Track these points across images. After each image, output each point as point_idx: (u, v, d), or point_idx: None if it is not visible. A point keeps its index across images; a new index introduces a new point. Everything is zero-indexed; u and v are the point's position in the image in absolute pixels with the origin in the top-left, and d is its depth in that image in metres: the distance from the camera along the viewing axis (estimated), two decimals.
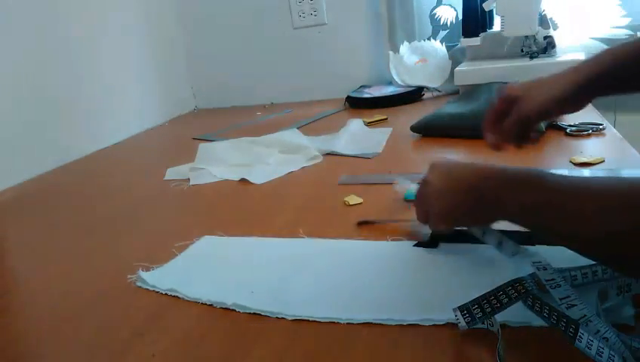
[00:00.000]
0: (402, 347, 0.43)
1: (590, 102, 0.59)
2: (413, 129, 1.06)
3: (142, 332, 0.50)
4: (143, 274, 0.59)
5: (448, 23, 1.55)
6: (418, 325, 0.45)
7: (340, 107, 1.48)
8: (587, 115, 0.98)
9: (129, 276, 0.60)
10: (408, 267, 0.55)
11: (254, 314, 0.50)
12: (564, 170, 0.75)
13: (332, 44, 1.61)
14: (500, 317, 0.42)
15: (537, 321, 0.41)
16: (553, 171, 0.74)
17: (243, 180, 0.92)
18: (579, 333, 0.37)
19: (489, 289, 0.43)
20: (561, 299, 0.41)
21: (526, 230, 0.46)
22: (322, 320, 0.48)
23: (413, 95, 1.42)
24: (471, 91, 1.19)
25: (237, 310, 0.51)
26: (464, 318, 0.42)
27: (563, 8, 1.30)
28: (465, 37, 1.35)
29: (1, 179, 1.07)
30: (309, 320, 0.48)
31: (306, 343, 0.45)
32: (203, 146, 1.06)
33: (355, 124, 1.17)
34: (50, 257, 0.72)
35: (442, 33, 1.56)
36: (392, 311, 0.47)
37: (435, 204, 0.52)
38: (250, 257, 0.63)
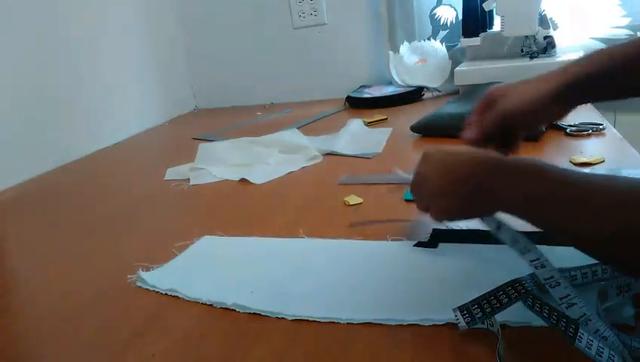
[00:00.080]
0: (402, 347, 0.43)
1: (577, 105, 0.57)
2: (413, 129, 1.06)
3: (142, 332, 0.50)
4: (143, 274, 0.59)
5: (448, 23, 1.55)
6: (418, 325, 0.45)
7: (340, 107, 1.48)
8: (587, 114, 0.98)
9: (129, 276, 0.61)
10: (408, 267, 0.55)
11: (254, 314, 0.50)
12: None
13: (332, 44, 1.61)
14: (499, 317, 0.42)
15: (537, 321, 0.41)
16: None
17: (243, 180, 0.92)
18: (579, 333, 0.37)
19: (489, 289, 0.43)
20: (560, 299, 0.41)
21: (538, 230, 0.44)
22: (322, 320, 0.48)
23: (413, 95, 1.42)
24: (471, 91, 1.19)
25: (237, 310, 0.51)
26: (464, 318, 0.42)
27: (563, 8, 1.30)
28: (465, 37, 1.35)
29: (1, 179, 1.07)
30: (309, 320, 0.48)
31: (306, 343, 0.45)
32: (203, 146, 1.06)
33: (355, 124, 1.17)
34: (50, 257, 0.72)
35: (442, 33, 1.56)
36: (392, 311, 0.47)
37: (431, 197, 0.50)
38: (250, 257, 0.63)
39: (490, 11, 1.34)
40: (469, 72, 1.27)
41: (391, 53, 1.50)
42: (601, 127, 0.91)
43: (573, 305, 0.40)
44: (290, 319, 0.48)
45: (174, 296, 0.55)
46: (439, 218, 0.52)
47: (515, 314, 0.43)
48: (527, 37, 1.25)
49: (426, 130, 1.04)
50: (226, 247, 0.67)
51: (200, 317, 0.51)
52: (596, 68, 0.54)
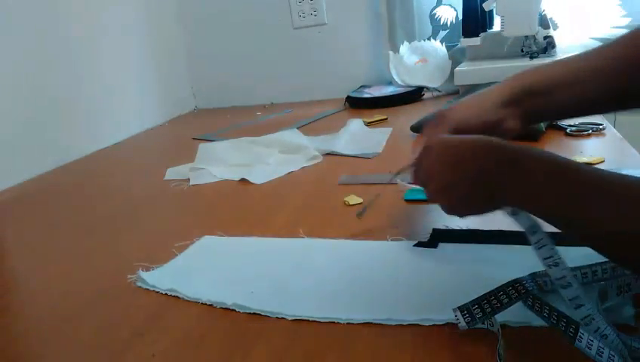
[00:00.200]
0: (402, 347, 0.43)
1: (539, 117, 0.57)
2: (413, 129, 1.06)
3: (142, 332, 0.50)
4: (143, 274, 0.59)
5: (448, 23, 1.55)
6: (418, 325, 0.45)
7: (340, 107, 1.48)
8: None
9: (129, 276, 0.60)
10: (408, 267, 0.55)
11: (254, 314, 0.50)
12: None
13: (332, 44, 1.61)
14: (500, 317, 0.42)
15: (537, 321, 0.41)
16: None
17: (243, 180, 0.92)
18: (579, 333, 0.37)
19: (489, 290, 0.43)
20: (570, 300, 0.41)
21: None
22: (322, 320, 0.48)
23: (413, 95, 1.42)
24: (471, 91, 1.19)
25: (237, 310, 0.51)
26: (464, 318, 0.42)
27: (563, 8, 1.30)
28: (465, 37, 1.35)
29: (1, 179, 1.07)
30: (309, 320, 0.48)
31: (306, 343, 0.45)
32: (203, 146, 1.06)
33: (355, 124, 1.17)
34: (50, 257, 0.72)
35: (442, 33, 1.56)
36: (392, 311, 0.47)
37: (441, 200, 0.49)
38: (250, 257, 0.63)
39: (490, 11, 1.34)
40: (469, 72, 1.27)
41: (391, 53, 1.50)
42: (601, 127, 0.91)
43: (581, 306, 0.40)
44: (290, 319, 0.48)
45: (174, 296, 0.55)
46: (450, 212, 0.50)
47: (515, 314, 0.43)
48: (527, 37, 1.25)
49: None
50: (226, 247, 0.67)
51: (200, 317, 0.51)
52: (545, 77, 0.54)
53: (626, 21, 1.26)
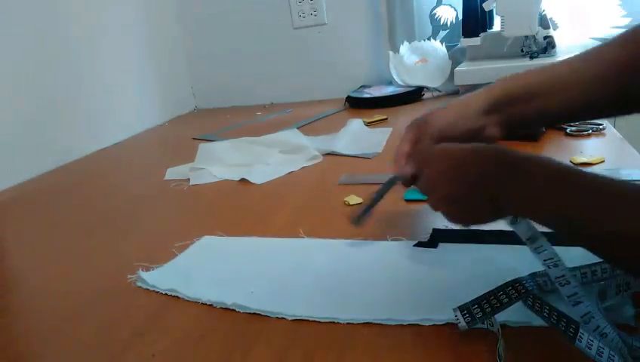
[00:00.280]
0: (402, 347, 0.43)
1: (524, 126, 0.56)
2: None
3: (142, 332, 0.50)
4: (143, 274, 0.59)
5: (448, 23, 1.55)
6: (418, 325, 0.45)
7: (340, 107, 1.48)
8: None
9: (129, 276, 0.60)
10: (408, 267, 0.55)
11: (254, 314, 0.50)
12: None
13: (332, 44, 1.61)
14: (499, 317, 0.42)
15: (537, 321, 0.41)
16: None
17: (243, 180, 0.92)
18: (579, 333, 0.37)
19: (489, 289, 0.43)
20: (568, 297, 0.41)
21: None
22: (322, 320, 0.48)
23: (413, 95, 1.42)
24: (471, 91, 1.19)
25: (237, 310, 0.51)
26: (464, 318, 0.42)
27: (563, 8, 1.30)
28: (465, 37, 1.36)
29: (1, 179, 1.07)
30: (309, 320, 0.48)
31: (306, 343, 0.45)
32: (203, 146, 1.06)
33: (355, 124, 1.17)
34: (50, 257, 0.72)
35: (442, 33, 1.56)
36: (392, 311, 0.47)
37: (444, 212, 0.49)
38: (250, 257, 0.63)
39: (490, 11, 1.34)
40: (469, 72, 1.27)
41: (391, 53, 1.50)
42: (601, 127, 0.91)
43: (580, 303, 0.40)
44: (290, 319, 0.48)
45: (174, 296, 0.55)
46: (454, 221, 0.49)
47: (515, 314, 0.43)
48: (527, 37, 1.25)
49: None
50: (226, 247, 0.67)
51: (200, 317, 0.51)
52: (525, 83, 0.54)
53: (626, 21, 1.27)
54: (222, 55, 1.73)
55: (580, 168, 0.40)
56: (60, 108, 1.24)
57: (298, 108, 1.58)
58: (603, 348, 0.36)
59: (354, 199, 0.75)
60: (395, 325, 0.45)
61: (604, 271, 0.45)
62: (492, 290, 0.43)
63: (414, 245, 0.59)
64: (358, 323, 0.46)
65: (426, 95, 1.44)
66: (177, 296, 0.55)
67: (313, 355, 0.43)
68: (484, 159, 0.45)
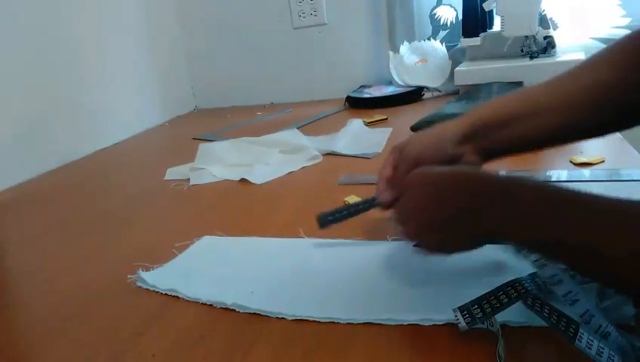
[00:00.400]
0: (402, 347, 0.43)
1: (505, 151, 0.55)
2: (413, 129, 1.05)
3: (142, 332, 0.50)
4: (143, 274, 0.59)
5: (448, 23, 1.55)
6: (418, 325, 0.45)
7: (340, 107, 1.48)
8: None
9: (129, 276, 0.60)
10: (408, 267, 0.55)
11: (254, 314, 0.50)
12: (564, 171, 0.75)
13: (332, 44, 1.61)
14: (500, 317, 0.42)
15: (537, 321, 0.41)
16: (550, 173, 0.75)
17: (243, 180, 0.92)
18: (579, 333, 0.37)
19: (489, 290, 0.43)
20: (564, 296, 0.41)
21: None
22: (322, 320, 0.48)
23: (413, 95, 1.42)
24: (471, 91, 1.20)
25: (237, 310, 0.51)
26: (464, 318, 0.42)
27: (563, 8, 1.30)
28: (465, 37, 1.36)
29: (1, 179, 1.07)
30: (309, 320, 0.48)
31: (306, 343, 0.45)
32: (203, 146, 1.06)
33: (355, 124, 1.17)
34: (49, 257, 0.72)
35: (442, 33, 1.56)
36: (392, 311, 0.47)
37: (426, 238, 0.47)
38: (250, 257, 0.63)
39: (490, 11, 1.34)
40: (469, 72, 1.27)
41: (391, 53, 1.50)
42: None
43: (577, 301, 0.40)
44: (290, 319, 0.48)
45: (174, 296, 0.55)
46: (436, 250, 0.48)
47: (515, 314, 0.43)
48: (527, 37, 1.25)
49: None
50: (226, 247, 0.67)
51: (200, 317, 0.51)
52: (501, 109, 0.53)
53: (626, 21, 1.26)
54: (222, 55, 1.73)
55: (575, 189, 0.39)
56: (59, 109, 1.24)
57: (298, 108, 1.58)
58: (603, 348, 0.36)
59: (354, 199, 0.75)
60: (395, 325, 0.45)
61: None
62: (492, 290, 0.43)
63: (414, 245, 0.59)
64: (358, 323, 0.46)
65: (426, 95, 1.44)
66: (177, 296, 0.55)
67: (313, 355, 0.43)
68: (468, 187, 0.44)
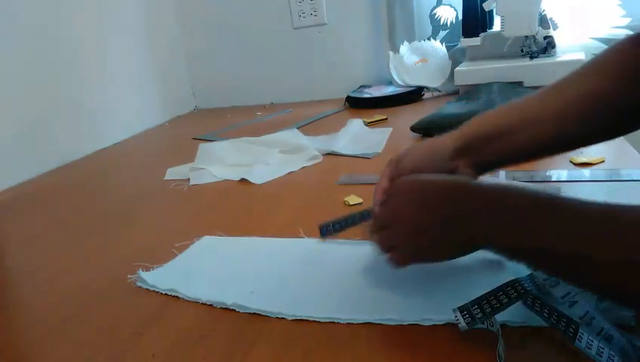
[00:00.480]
0: (402, 347, 0.43)
1: (500, 162, 0.55)
2: (414, 129, 1.06)
3: (142, 332, 0.50)
4: (143, 274, 0.59)
5: (448, 23, 1.55)
6: (418, 325, 0.45)
7: (340, 107, 1.48)
8: None
9: (129, 276, 0.61)
10: (408, 267, 0.55)
11: (254, 314, 0.50)
12: (564, 171, 0.75)
13: (332, 44, 1.61)
14: (500, 317, 0.42)
15: (537, 321, 0.41)
16: (550, 173, 0.75)
17: (243, 180, 0.92)
18: (579, 333, 0.37)
19: (489, 290, 0.43)
20: (562, 297, 0.41)
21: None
22: (322, 320, 0.48)
23: (413, 95, 1.42)
24: (471, 91, 1.19)
25: (237, 310, 0.51)
26: (464, 319, 0.42)
27: (563, 8, 1.30)
28: (465, 37, 1.35)
29: (1, 179, 1.07)
30: (309, 320, 0.48)
31: (306, 343, 0.45)
32: (203, 146, 1.06)
33: (355, 124, 1.17)
34: (50, 257, 0.72)
35: (442, 33, 1.56)
36: (392, 311, 0.47)
37: (407, 243, 0.46)
38: (250, 257, 0.63)
39: (490, 11, 1.34)
40: (469, 72, 1.27)
41: (391, 53, 1.50)
42: None
43: (576, 303, 0.40)
44: (290, 319, 0.48)
45: (174, 296, 0.55)
46: (404, 262, 0.48)
47: (515, 314, 0.43)
48: (527, 37, 1.25)
49: (426, 130, 1.04)
50: (226, 247, 0.67)
51: (200, 317, 0.51)
52: (496, 122, 0.53)
53: (626, 21, 1.26)
54: (222, 55, 1.73)
55: (564, 196, 0.39)
56: (60, 109, 1.24)
57: (298, 108, 1.58)
58: (603, 348, 0.36)
59: (354, 199, 0.75)
60: (395, 325, 0.45)
61: None
62: (492, 291, 0.43)
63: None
64: (358, 323, 0.46)
65: (426, 95, 1.44)
66: (177, 296, 0.55)
67: (313, 355, 0.43)
68: (453, 192, 0.44)
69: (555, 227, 0.37)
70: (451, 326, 0.43)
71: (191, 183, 0.95)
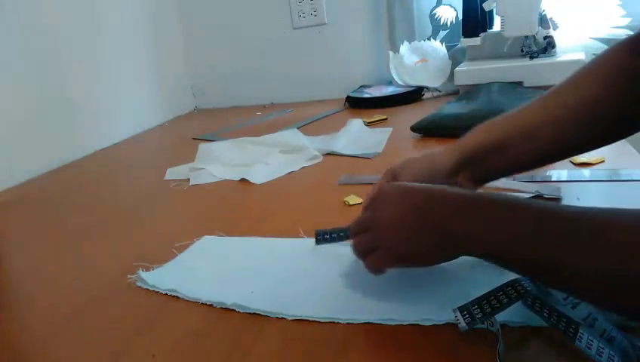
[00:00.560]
0: (402, 347, 0.43)
1: (499, 172, 0.56)
2: (414, 129, 1.06)
3: (142, 332, 0.50)
4: (143, 274, 0.59)
5: (448, 23, 1.55)
6: (418, 325, 0.45)
7: (340, 107, 1.48)
8: None
9: (129, 276, 0.60)
10: (408, 267, 0.55)
11: (254, 314, 0.50)
12: (564, 170, 0.75)
13: (332, 44, 1.61)
14: (499, 317, 0.42)
15: (537, 321, 0.41)
16: (550, 173, 0.75)
17: (243, 180, 0.92)
18: (579, 333, 0.37)
19: (489, 290, 0.43)
20: (565, 299, 0.41)
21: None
22: (322, 320, 0.48)
23: (413, 95, 1.42)
24: (471, 91, 1.20)
25: (237, 310, 0.51)
26: (464, 319, 0.42)
27: (563, 8, 1.30)
28: (465, 37, 1.36)
29: (1, 179, 1.07)
30: (309, 320, 0.48)
31: (306, 343, 0.45)
32: (203, 146, 1.06)
33: (355, 124, 1.17)
34: (49, 257, 0.72)
35: (442, 33, 1.56)
36: (392, 311, 0.47)
37: (387, 245, 0.46)
38: (250, 257, 0.63)
39: (490, 11, 1.34)
40: (469, 72, 1.27)
41: (391, 53, 1.50)
42: None
43: (578, 304, 0.40)
44: (290, 319, 0.48)
45: (174, 296, 0.55)
46: (384, 265, 0.48)
47: (515, 314, 0.43)
48: (527, 37, 1.25)
49: (427, 130, 1.04)
50: (226, 247, 0.67)
51: (200, 317, 0.51)
52: (495, 135, 0.53)
53: (626, 21, 1.27)
54: (222, 55, 1.73)
55: (548, 203, 0.40)
56: (60, 109, 1.24)
57: (298, 108, 1.58)
58: (603, 349, 0.36)
59: (354, 199, 0.75)
60: (395, 325, 0.45)
61: None
62: (492, 291, 0.43)
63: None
64: (358, 323, 0.46)
65: (426, 95, 1.44)
66: (177, 296, 0.55)
67: (313, 355, 0.43)
68: (441, 199, 0.44)
69: (532, 235, 0.37)
70: (451, 326, 0.43)
71: (191, 183, 0.95)
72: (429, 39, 1.51)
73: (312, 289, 0.53)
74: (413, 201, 0.46)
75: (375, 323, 0.46)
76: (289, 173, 0.94)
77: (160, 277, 0.59)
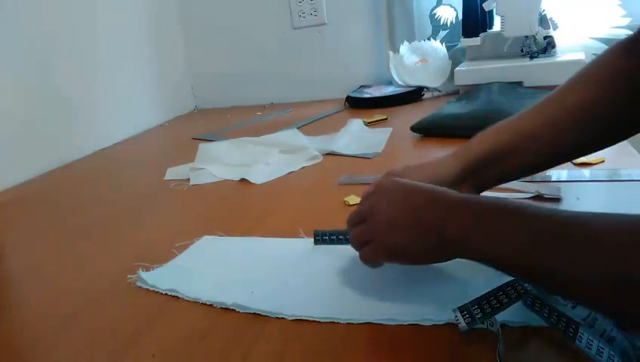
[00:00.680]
0: (402, 347, 0.43)
1: (504, 177, 0.56)
2: (414, 129, 1.06)
3: (142, 332, 0.50)
4: (143, 274, 0.59)
5: (448, 23, 1.55)
6: (418, 325, 0.45)
7: (340, 107, 1.48)
8: None
9: (129, 276, 0.60)
10: (408, 267, 0.55)
11: (254, 314, 0.50)
12: (564, 170, 0.75)
13: (332, 44, 1.61)
14: (499, 317, 0.42)
15: (537, 321, 0.41)
16: (550, 173, 0.75)
17: (243, 180, 0.92)
18: (579, 333, 0.37)
19: (489, 290, 0.43)
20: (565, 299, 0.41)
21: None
22: (322, 320, 0.48)
23: (413, 95, 1.42)
24: (471, 91, 1.20)
25: (237, 310, 0.51)
26: (464, 319, 0.42)
27: (563, 8, 1.30)
28: (465, 37, 1.36)
29: (1, 179, 1.07)
30: (309, 320, 0.48)
31: (306, 343, 0.45)
32: (203, 146, 1.06)
33: (355, 124, 1.17)
34: (49, 257, 0.72)
35: (442, 33, 1.56)
36: (392, 311, 0.47)
37: (381, 238, 0.46)
38: (250, 257, 0.63)
39: (490, 11, 1.34)
40: (469, 72, 1.27)
41: (391, 53, 1.50)
42: None
43: (578, 304, 0.40)
44: (290, 319, 0.48)
45: (174, 296, 0.55)
46: (377, 259, 0.48)
47: (515, 314, 0.43)
48: (527, 37, 1.25)
49: (427, 130, 1.04)
50: (226, 247, 0.67)
51: (200, 317, 0.51)
52: (494, 145, 0.54)
53: (626, 21, 1.26)
54: (222, 55, 1.73)
55: (541, 207, 0.39)
56: (60, 108, 1.24)
57: (298, 108, 1.58)
58: (603, 348, 0.36)
59: (354, 199, 0.75)
60: (395, 325, 0.45)
61: None
62: (492, 291, 0.43)
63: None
64: (358, 323, 0.46)
65: (426, 95, 1.44)
66: (177, 296, 0.55)
67: (313, 355, 0.43)
68: (438, 199, 0.44)
69: (527, 245, 0.37)
70: (451, 326, 0.43)
71: (191, 183, 0.95)
72: (429, 39, 1.51)
73: (312, 290, 0.53)
74: (411, 199, 0.46)
75: (375, 323, 0.46)
76: (289, 173, 0.94)
77: (160, 277, 0.59)
